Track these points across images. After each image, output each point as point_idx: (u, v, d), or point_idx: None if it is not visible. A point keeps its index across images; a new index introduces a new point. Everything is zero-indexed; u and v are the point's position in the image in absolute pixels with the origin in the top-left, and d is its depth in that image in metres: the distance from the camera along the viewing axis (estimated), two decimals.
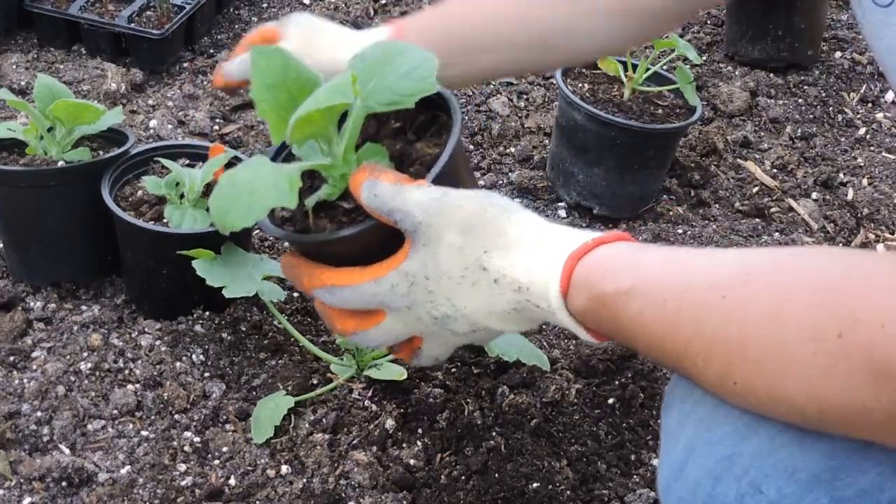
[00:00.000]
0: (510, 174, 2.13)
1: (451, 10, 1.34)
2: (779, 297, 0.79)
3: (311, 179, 1.05)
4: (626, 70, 2.04)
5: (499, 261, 0.93)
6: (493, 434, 1.48)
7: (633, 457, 1.50)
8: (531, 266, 0.92)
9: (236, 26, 2.45)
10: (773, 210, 2.09)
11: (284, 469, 1.43)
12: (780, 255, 0.85)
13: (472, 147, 2.20)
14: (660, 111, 2.02)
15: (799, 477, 0.84)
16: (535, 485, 1.41)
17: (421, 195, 0.92)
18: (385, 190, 0.92)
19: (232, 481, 1.41)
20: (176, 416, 1.49)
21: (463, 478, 1.42)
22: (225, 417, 1.50)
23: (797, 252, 0.86)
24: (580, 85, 2.06)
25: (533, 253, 0.92)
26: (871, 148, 2.31)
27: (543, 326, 1.70)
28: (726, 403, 0.88)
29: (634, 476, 1.47)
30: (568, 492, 1.42)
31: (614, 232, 0.94)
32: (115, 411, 1.48)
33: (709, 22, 2.74)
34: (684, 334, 0.85)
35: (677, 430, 0.94)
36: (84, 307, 1.66)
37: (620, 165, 1.98)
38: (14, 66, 2.21)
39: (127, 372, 1.55)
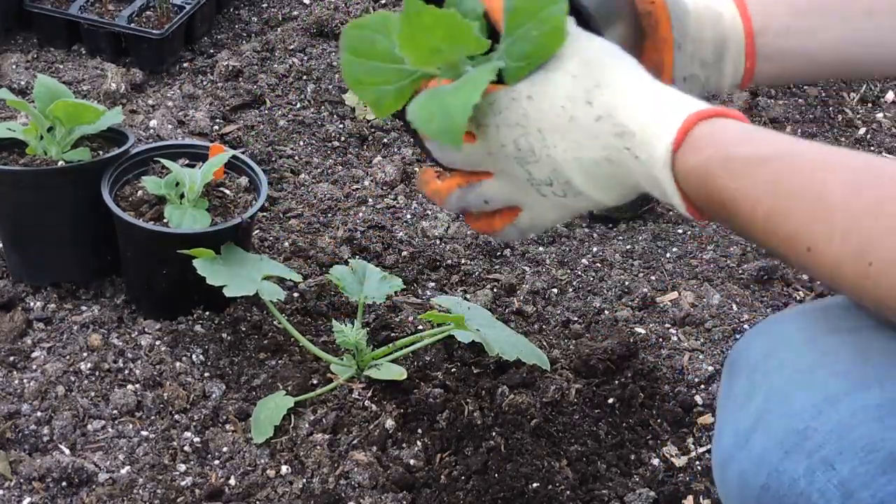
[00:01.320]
0: None
1: None
2: None
3: None
4: None
5: (608, 98, 0.90)
6: (493, 434, 1.48)
7: (633, 456, 1.50)
8: (643, 112, 0.89)
9: (236, 26, 2.45)
10: None
11: (284, 469, 1.43)
12: None
13: None
14: None
15: (875, 457, 0.82)
16: (535, 485, 1.41)
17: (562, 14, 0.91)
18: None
19: (232, 481, 1.41)
20: (176, 416, 1.49)
21: (463, 478, 1.42)
22: (225, 417, 1.50)
23: None
24: None
25: (649, 100, 0.90)
26: (871, 148, 2.31)
27: (543, 327, 1.71)
28: (805, 376, 0.87)
29: (634, 476, 1.47)
30: (568, 492, 1.42)
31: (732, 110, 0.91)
32: (115, 411, 1.48)
33: None
34: (828, 207, 0.81)
35: (745, 399, 0.91)
36: (84, 307, 1.66)
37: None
38: (14, 66, 2.21)
39: (127, 372, 1.55)
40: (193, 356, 1.58)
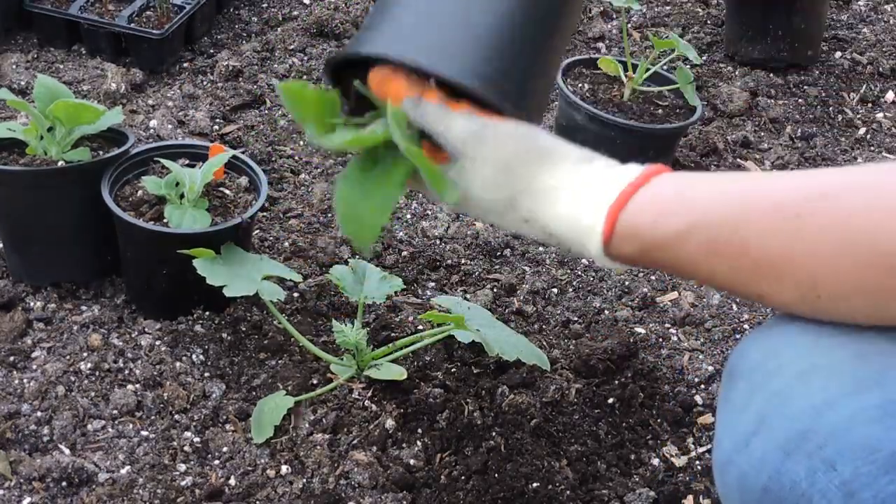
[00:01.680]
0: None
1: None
2: (854, 216, 0.81)
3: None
4: (626, 70, 2.04)
5: (530, 204, 0.93)
6: (493, 434, 1.48)
7: (633, 456, 1.50)
8: (565, 217, 0.92)
9: (236, 26, 2.45)
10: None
11: (284, 469, 1.43)
12: (851, 174, 0.85)
13: None
14: (660, 111, 2.02)
15: (877, 457, 0.82)
16: (535, 485, 1.41)
17: (464, 125, 0.92)
18: (430, 111, 0.93)
19: (232, 481, 1.41)
20: (176, 416, 1.49)
21: (463, 478, 1.42)
22: (225, 417, 1.50)
23: (868, 170, 0.85)
24: (580, 85, 2.06)
25: (569, 204, 0.92)
26: (871, 148, 2.31)
27: (543, 327, 1.71)
28: (804, 378, 0.87)
29: (634, 476, 1.47)
30: (568, 492, 1.42)
31: (651, 167, 0.92)
32: (115, 411, 1.48)
33: (709, 22, 2.74)
34: (756, 263, 0.85)
35: (745, 402, 0.91)
36: (84, 307, 1.66)
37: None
38: (14, 66, 2.21)
39: (127, 372, 1.55)
40: (193, 356, 1.58)
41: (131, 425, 1.47)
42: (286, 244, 1.81)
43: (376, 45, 0.95)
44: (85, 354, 1.57)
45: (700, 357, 1.67)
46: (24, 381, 1.51)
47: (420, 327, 1.66)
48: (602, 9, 2.72)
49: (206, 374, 1.56)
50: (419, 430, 1.49)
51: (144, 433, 1.46)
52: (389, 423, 1.48)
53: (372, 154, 0.97)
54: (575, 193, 0.92)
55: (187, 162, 1.69)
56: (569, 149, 0.94)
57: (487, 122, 0.93)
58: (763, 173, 0.91)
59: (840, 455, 0.83)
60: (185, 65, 2.30)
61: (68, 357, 1.56)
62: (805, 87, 2.49)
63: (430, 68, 0.92)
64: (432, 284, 1.78)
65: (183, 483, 1.39)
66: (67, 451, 1.43)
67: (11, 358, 1.55)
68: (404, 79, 0.93)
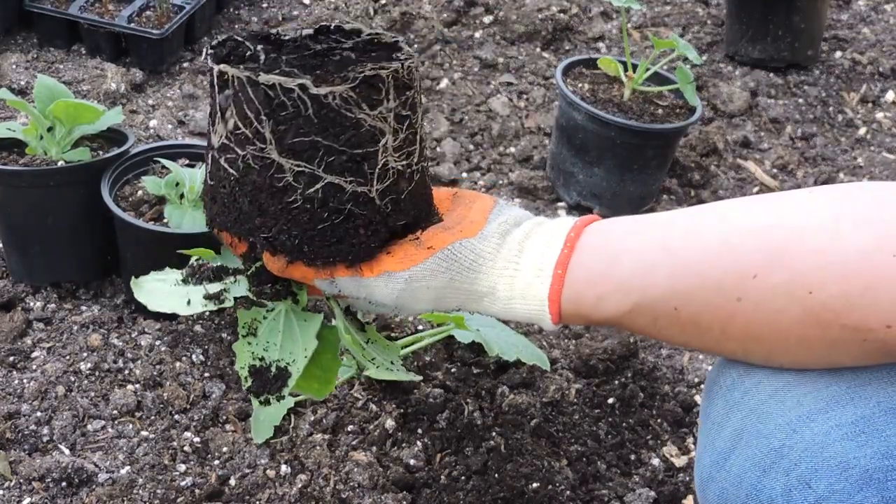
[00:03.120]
0: (510, 174, 2.13)
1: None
2: (798, 290, 0.80)
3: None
4: (626, 70, 2.04)
5: (474, 307, 0.93)
6: (493, 434, 1.48)
7: (633, 456, 1.50)
8: (512, 312, 0.91)
9: (236, 26, 2.45)
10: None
11: (284, 469, 1.43)
12: (784, 229, 0.82)
13: (472, 147, 2.20)
14: (660, 111, 2.02)
15: (851, 474, 0.82)
16: (535, 485, 1.41)
17: (385, 289, 0.91)
18: (347, 284, 0.92)
19: (232, 481, 1.41)
20: (176, 416, 1.49)
21: (463, 478, 1.42)
22: (225, 417, 1.50)
23: (804, 224, 0.82)
24: (580, 85, 2.06)
25: (509, 302, 0.91)
26: (871, 148, 2.31)
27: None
28: (779, 395, 0.88)
29: (634, 476, 1.47)
30: (568, 492, 1.42)
31: (571, 227, 0.89)
32: (115, 411, 1.48)
33: (709, 22, 2.74)
34: (711, 334, 0.85)
35: (723, 419, 0.92)
36: (84, 307, 1.66)
37: (620, 165, 1.98)
38: (14, 66, 2.21)
39: (127, 372, 1.55)
40: (193, 356, 1.58)
41: (131, 425, 1.47)
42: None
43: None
44: (85, 354, 1.57)
45: (700, 357, 1.67)
46: (24, 381, 1.51)
47: (420, 327, 1.66)
48: (602, 9, 2.73)
49: (206, 374, 1.56)
50: (419, 430, 1.49)
51: (144, 433, 1.46)
52: (389, 423, 1.48)
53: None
54: (512, 293, 0.90)
55: (187, 162, 1.69)
56: (491, 244, 0.91)
57: (410, 276, 0.91)
58: (686, 220, 0.87)
59: (815, 472, 0.83)
60: (185, 65, 2.30)
61: (68, 357, 1.56)
62: (805, 87, 2.49)
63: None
64: None
65: (183, 483, 1.39)
66: (67, 451, 1.43)
67: (11, 358, 1.55)
68: (303, 264, 0.92)
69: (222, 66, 0.85)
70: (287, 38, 0.92)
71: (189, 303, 0.99)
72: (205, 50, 0.88)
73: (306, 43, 0.92)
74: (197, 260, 1.02)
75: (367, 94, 0.85)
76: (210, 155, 0.91)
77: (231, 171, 0.88)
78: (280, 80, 0.83)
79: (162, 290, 0.99)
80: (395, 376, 1.01)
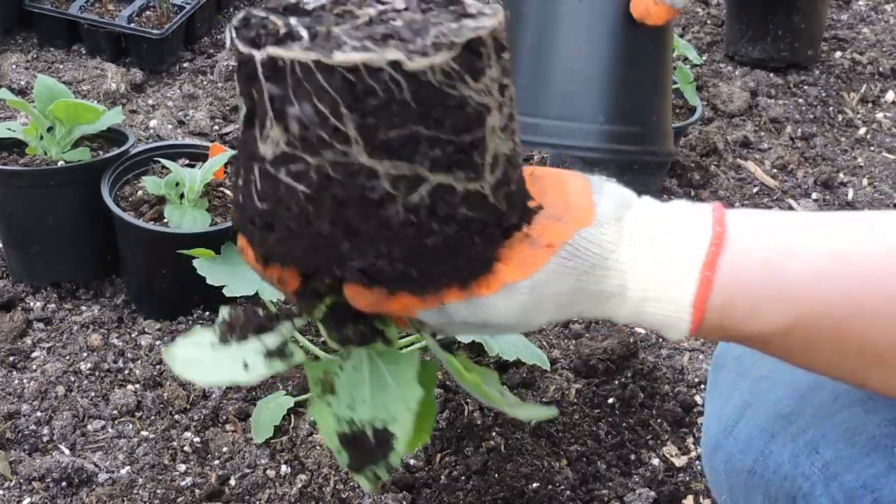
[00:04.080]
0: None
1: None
2: None
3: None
4: None
5: (597, 312, 0.76)
6: (493, 434, 1.48)
7: (633, 456, 1.50)
8: (639, 314, 0.75)
9: None
10: (773, 210, 2.09)
11: (284, 469, 1.43)
12: None
13: None
14: None
15: (857, 440, 0.82)
16: (535, 485, 1.41)
17: (506, 307, 0.72)
18: (460, 310, 0.72)
19: (232, 481, 1.41)
20: (176, 416, 1.49)
21: (463, 478, 1.42)
22: (225, 417, 1.50)
23: None
24: None
25: (641, 304, 0.74)
26: (871, 148, 2.31)
27: (543, 327, 1.71)
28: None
29: (634, 476, 1.47)
30: (568, 492, 1.42)
31: (717, 217, 0.73)
32: (115, 411, 1.48)
33: (709, 22, 2.74)
34: (861, 349, 0.73)
35: (731, 387, 0.92)
36: (84, 307, 1.66)
37: (620, 165, 1.98)
38: (14, 66, 2.21)
39: (127, 372, 1.55)
40: None
41: (131, 425, 1.47)
42: None
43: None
44: (85, 354, 1.57)
45: (700, 357, 1.67)
46: (24, 381, 1.51)
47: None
48: None
49: None
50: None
51: (144, 433, 1.46)
52: None
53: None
54: (645, 294, 0.73)
55: (187, 162, 1.69)
56: (611, 233, 0.73)
57: (533, 285, 0.72)
58: (841, 223, 0.74)
59: (822, 438, 0.84)
60: (185, 65, 2.30)
61: (68, 357, 1.56)
62: (805, 87, 2.49)
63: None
64: None
65: (183, 483, 1.39)
66: (67, 451, 1.43)
67: (11, 358, 1.55)
68: (406, 293, 0.71)
69: (273, 50, 0.64)
70: (313, 6, 0.70)
71: (247, 366, 0.73)
72: (229, 34, 0.69)
73: (350, 10, 0.70)
74: (233, 309, 0.78)
75: (469, 63, 0.66)
76: (257, 169, 0.68)
77: (300, 186, 0.67)
78: (364, 58, 0.63)
79: (203, 358, 0.73)
80: (537, 413, 0.78)
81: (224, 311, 0.78)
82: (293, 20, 0.67)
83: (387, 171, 0.66)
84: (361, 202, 0.67)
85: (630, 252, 0.72)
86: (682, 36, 2.64)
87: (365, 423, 0.74)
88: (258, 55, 0.66)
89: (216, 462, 1.43)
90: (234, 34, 0.68)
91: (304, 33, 0.66)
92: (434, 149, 0.66)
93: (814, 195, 2.15)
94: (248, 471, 1.42)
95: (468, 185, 0.68)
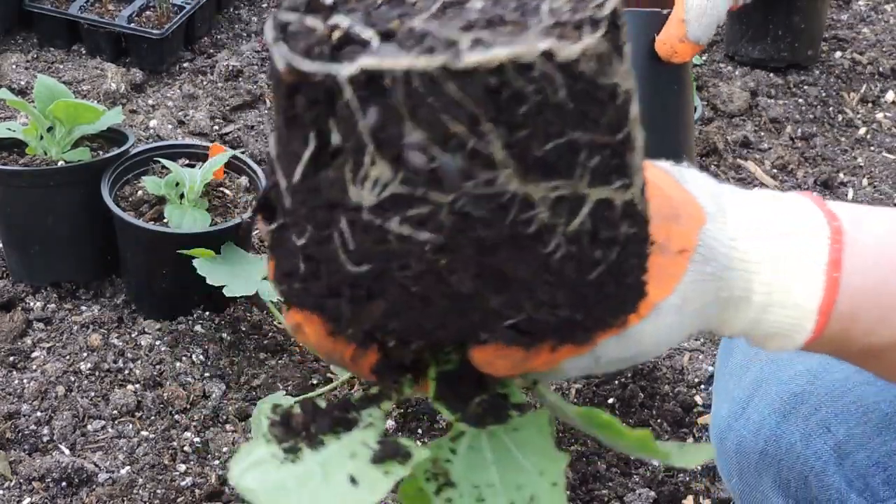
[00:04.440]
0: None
1: None
2: None
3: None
4: None
5: (715, 323, 0.64)
6: None
7: (632, 456, 1.50)
8: (759, 322, 0.64)
9: (236, 26, 2.45)
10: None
11: None
12: None
13: None
14: None
15: (870, 418, 0.82)
16: None
17: (654, 332, 0.60)
18: (612, 349, 0.60)
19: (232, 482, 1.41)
20: (176, 416, 1.49)
21: None
22: (225, 417, 1.50)
23: None
24: None
25: (764, 311, 0.63)
26: (871, 148, 2.31)
27: None
28: None
29: (634, 476, 1.47)
30: (568, 492, 1.42)
31: (829, 210, 0.63)
32: (115, 411, 1.48)
33: None
34: None
35: (742, 370, 0.92)
36: (84, 307, 1.66)
37: None
38: (14, 66, 2.21)
39: (127, 372, 1.55)
40: (193, 356, 1.58)
41: (131, 425, 1.47)
42: None
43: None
44: (85, 354, 1.57)
45: (700, 357, 1.67)
46: (24, 381, 1.51)
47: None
48: None
49: (206, 374, 1.56)
50: (419, 430, 1.49)
51: (144, 433, 1.46)
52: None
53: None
54: (770, 299, 0.62)
55: (187, 162, 1.69)
56: (726, 228, 0.62)
57: (680, 302, 0.60)
58: None
59: (834, 417, 0.84)
60: (185, 65, 2.30)
61: (68, 357, 1.56)
62: (805, 87, 2.49)
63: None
64: None
65: (183, 483, 1.39)
66: (67, 451, 1.43)
67: (11, 358, 1.55)
68: (561, 343, 0.58)
69: (370, 62, 0.48)
70: None
71: (355, 481, 0.54)
72: (279, 51, 0.49)
73: None
74: (280, 408, 0.59)
75: (615, 42, 0.52)
76: (347, 223, 0.51)
77: (424, 235, 0.51)
78: (511, 53, 0.48)
79: (283, 479, 0.55)
80: (701, 457, 0.60)
81: (268, 412, 0.59)
82: (343, 19, 0.50)
83: (544, 196, 0.51)
84: (513, 242, 0.52)
85: (750, 249, 0.61)
86: None
87: None
88: (343, 71, 0.48)
89: (216, 462, 1.43)
90: (278, 50, 0.50)
91: (370, 35, 0.49)
92: (593, 157, 0.52)
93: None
94: None
95: (624, 196, 0.55)
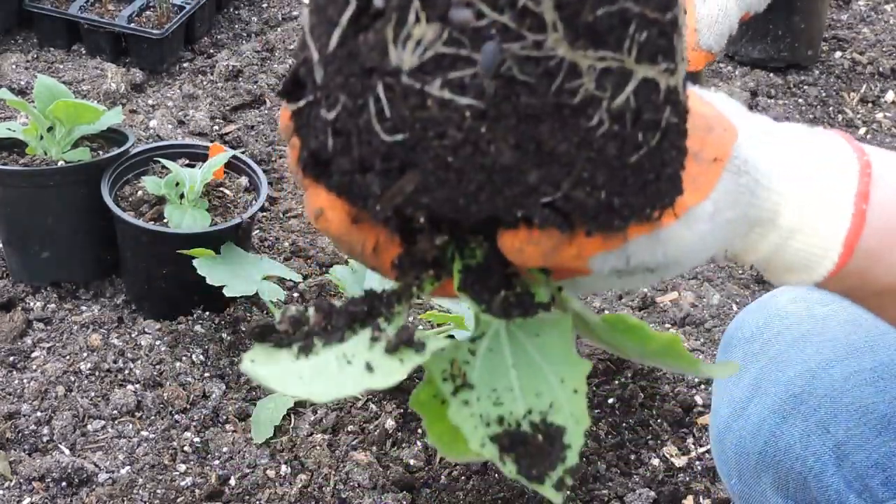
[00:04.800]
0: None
1: None
2: None
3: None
4: None
5: (739, 245, 0.64)
6: None
7: (632, 456, 1.50)
8: (783, 248, 0.63)
9: (236, 26, 2.45)
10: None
11: (284, 469, 1.43)
12: None
13: None
14: None
15: (868, 419, 0.82)
16: None
17: (686, 237, 0.59)
18: (642, 247, 0.58)
19: (232, 481, 1.41)
20: (176, 416, 1.49)
21: (463, 478, 1.42)
22: (225, 417, 1.50)
23: None
24: None
25: (790, 235, 0.63)
26: None
27: None
28: (799, 344, 0.86)
29: (634, 476, 1.47)
30: (568, 491, 1.42)
31: (858, 146, 0.63)
32: (115, 411, 1.48)
33: None
34: None
35: (741, 371, 0.92)
36: (84, 307, 1.66)
37: None
38: (14, 66, 2.21)
39: (127, 372, 1.55)
40: (193, 356, 1.58)
41: (131, 425, 1.47)
42: (286, 244, 1.81)
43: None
44: (85, 354, 1.57)
45: (700, 357, 1.67)
46: (24, 381, 1.51)
47: (420, 327, 1.66)
48: None
49: (206, 374, 1.56)
50: (419, 430, 1.49)
51: (144, 433, 1.46)
52: (389, 423, 1.48)
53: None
54: (801, 222, 0.62)
55: (187, 162, 1.69)
56: (759, 147, 0.61)
57: (714, 208, 0.60)
58: None
59: (833, 417, 0.84)
60: (185, 65, 2.30)
61: (68, 357, 1.56)
62: (805, 87, 2.49)
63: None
64: None
65: (183, 483, 1.39)
66: (67, 451, 1.43)
67: (11, 358, 1.55)
68: (593, 232, 0.56)
69: None
70: None
71: (371, 368, 0.54)
72: None
73: None
74: (293, 310, 0.59)
75: None
76: (384, 88, 0.50)
77: (466, 100, 0.49)
78: None
79: (298, 369, 0.55)
80: (725, 370, 0.62)
81: (283, 315, 0.59)
82: None
83: (591, 65, 0.50)
84: (557, 113, 0.50)
85: (781, 171, 0.61)
86: None
87: (519, 420, 0.57)
88: None
89: (216, 462, 1.43)
90: None
91: None
92: (642, 31, 0.50)
93: None
94: (248, 471, 1.42)
95: (669, 81, 0.53)
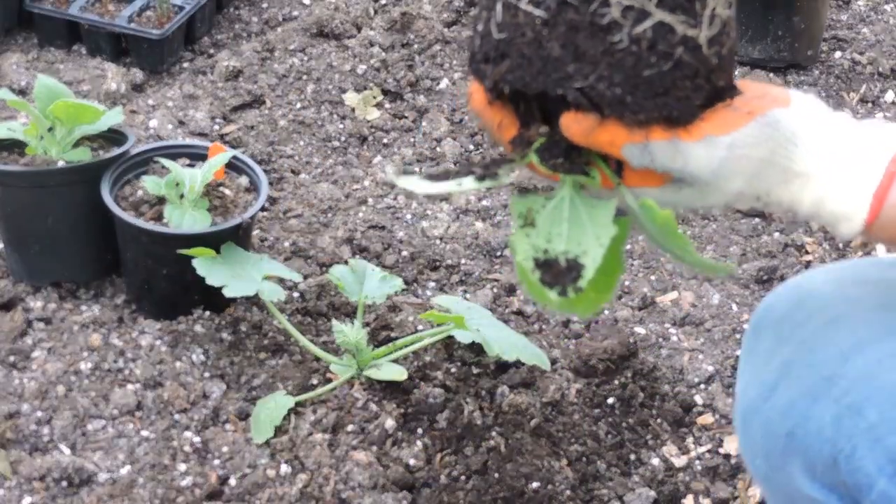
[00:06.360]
0: (511, 173, 2.13)
1: None
2: None
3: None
4: None
5: (783, 192, 0.82)
6: (493, 434, 1.48)
7: (632, 456, 1.50)
8: (819, 202, 0.81)
9: (236, 26, 2.45)
10: None
11: (284, 469, 1.43)
12: None
13: (472, 147, 2.19)
14: None
15: None
16: (534, 485, 1.41)
17: (705, 156, 0.78)
18: (662, 149, 0.78)
19: (232, 481, 1.41)
20: (176, 416, 1.49)
21: (463, 478, 1.42)
22: (225, 417, 1.50)
23: None
24: None
25: (824, 191, 0.80)
26: None
27: (543, 327, 1.71)
28: (831, 327, 0.86)
29: (634, 476, 1.47)
30: (568, 492, 1.42)
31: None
32: (115, 411, 1.48)
33: None
34: None
35: (770, 352, 0.92)
36: (84, 307, 1.66)
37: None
38: (14, 66, 2.21)
39: (127, 372, 1.55)
40: (193, 356, 1.58)
41: (131, 425, 1.47)
42: (286, 244, 1.81)
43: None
44: (85, 354, 1.57)
45: (700, 357, 1.67)
46: (24, 381, 1.51)
47: (420, 327, 1.66)
48: None
49: (206, 374, 1.56)
50: (419, 430, 1.49)
51: (144, 433, 1.46)
52: (389, 423, 1.48)
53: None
54: (829, 180, 0.80)
55: (187, 162, 1.69)
56: (805, 118, 0.82)
57: (732, 142, 0.78)
58: None
59: (867, 400, 0.83)
60: (185, 65, 2.30)
61: (68, 357, 1.56)
62: (805, 87, 2.49)
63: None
64: (432, 284, 1.78)
65: (183, 483, 1.39)
66: (67, 451, 1.43)
67: (11, 358, 1.55)
68: (615, 123, 0.79)
69: None
70: None
71: (460, 184, 0.85)
72: None
73: None
74: (423, 167, 0.79)
75: None
76: (501, 4, 0.79)
77: (538, 12, 0.77)
78: None
79: (428, 186, 0.86)
80: (723, 269, 0.84)
81: (408, 170, 0.90)
82: None
83: (618, 1, 0.76)
84: (591, 27, 0.76)
85: (821, 137, 0.80)
86: None
87: (558, 254, 0.80)
88: None
89: (216, 462, 1.43)
90: None
91: None
92: None
93: None
94: (248, 471, 1.42)
95: (687, 31, 0.77)
